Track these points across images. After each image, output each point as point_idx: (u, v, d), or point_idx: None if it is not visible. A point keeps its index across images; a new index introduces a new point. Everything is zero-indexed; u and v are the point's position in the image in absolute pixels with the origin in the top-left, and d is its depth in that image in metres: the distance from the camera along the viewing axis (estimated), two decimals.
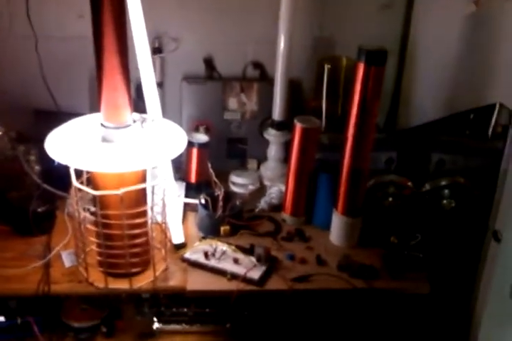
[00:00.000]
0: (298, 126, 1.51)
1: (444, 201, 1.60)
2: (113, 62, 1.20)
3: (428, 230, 1.56)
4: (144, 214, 1.32)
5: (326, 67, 1.69)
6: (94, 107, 1.73)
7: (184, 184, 1.69)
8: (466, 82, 1.63)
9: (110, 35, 1.19)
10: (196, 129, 1.77)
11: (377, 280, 1.42)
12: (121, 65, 1.21)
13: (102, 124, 1.25)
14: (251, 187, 1.74)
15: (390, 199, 1.59)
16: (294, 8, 1.63)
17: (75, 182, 1.26)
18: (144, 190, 1.31)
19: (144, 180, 1.30)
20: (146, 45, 1.47)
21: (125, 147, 1.24)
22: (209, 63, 1.80)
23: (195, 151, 1.64)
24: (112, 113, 1.23)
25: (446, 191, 1.61)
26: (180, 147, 1.28)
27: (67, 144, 1.25)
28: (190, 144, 1.62)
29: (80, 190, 1.27)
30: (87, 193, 1.27)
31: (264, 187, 1.75)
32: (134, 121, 1.28)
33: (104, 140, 1.25)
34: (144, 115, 1.34)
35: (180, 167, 1.67)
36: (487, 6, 1.54)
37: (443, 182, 1.62)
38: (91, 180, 1.31)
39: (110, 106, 1.23)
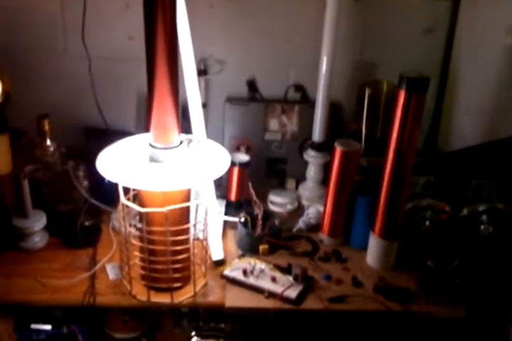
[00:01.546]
0: (338, 149, 1.54)
1: (482, 226, 1.60)
2: (164, 85, 1.26)
3: (465, 255, 1.56)
4: (186, 231, 1.36)
5: (367, 91, 1.72)
6: (140, 125, 1.84)
7: (224, 202, 1.73)
8: (507, 109, 1.64)
9: (162, 57, 1.24)
10: (237, 149, 1.82)
11: (413, 304, 1.43)
12: (172, 87, 1.26)
13: (150, 144, 1.31)
14: (289, 207, 1.77)
15: (427, 223, 1.60)
16: (336, 33, 1.67)
17: (123, 199, 1.31)
18: (187, 207, 1.35)
19: (188, 198, 1.34)
20: (193, 68, 1.53)
21: (172, 166, 1.29)
22: (252, 85, 1.85)
23: (236, 170, 1.68)
24: (161, 134, 1.29)
25: (485, 216, 1.61)
26: (223, 167, 1.32)
27: (117, 163, 1.31)
28: (232, 163, 1.66)
29: (126, 206, 1.32)
30: (133, 209, 1.33)
31: (302, 207, 1.78)
32: (181, 142, 1.33)
33: (152, 159, 1.31)
34: (190, 136, 1.40)
35: (220, 184, 1.72)
36: None
37: (481, 208, 1.62)
38: (137, 197, 1.36)
39: (159, 127, 1.28)
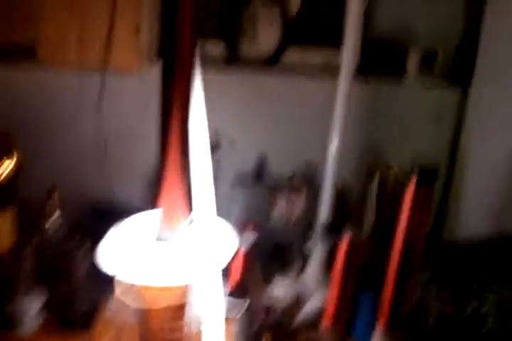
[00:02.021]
0: (344, 239, 1.52)
1: (489, 322, 1.58)
2: (175, 162, 1.24)
3: None
4: (183, 324, 1.33)
5: (376, 175, 1.71)
6: (148, 200, 1.80)
7: (226, 287, 1.69)
8: None
9: (175, 133, 1.23)
10: (243, 231, 1.79)
11: None
12: (183, 164, 1.25)
13: (157, 225, 1.28)
14: (292, 295, 1.72)
15: (432, 317, 1.58)
16: (346, 115, 1.66)
17: (117, 294, 1.27)
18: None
19: (187, 292, 1.31)
20: (205, 145, 1.51)
21: (176, 251, 1.26)
22: (260, 165, 1.84)
23: (240, 254, 1.66)
24: (170, 215, 1.26)
25: (491, 312, 1.59)
26: (229, 253, 1.28)
27: (118, 250, 1.26)
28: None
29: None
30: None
31: (305, 295, 1.74)
32: (190, 222, 1.30)
33: (159, 238, 1.27)
34: (198, 215, 1.37)
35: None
36: None
37: (487, 302, 1.61)
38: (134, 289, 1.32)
39: (168, 208, 1.26)
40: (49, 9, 1.35)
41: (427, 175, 1.38)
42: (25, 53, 1.38)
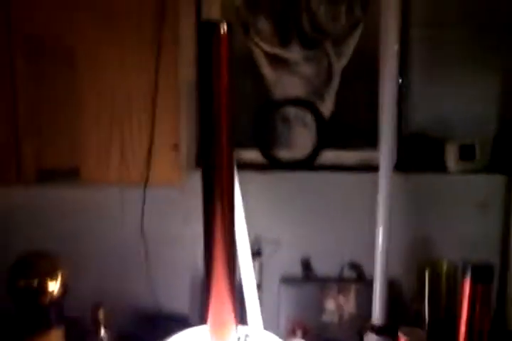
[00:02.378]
0: (402, 339, 1.44)
1: None
2: (221, 272, 1.22)
3: None
4: None
5: (427, 272, 1.67)
6: (194, 309, 1.78)
7: None
8: None
9: (220, 243, 1.22)
10: (293, 332, 1.73)
11: None
12: (229, 274, 1.23)
13: None
14: None
15: None
16: (389, 209, 1.66)
17: None
18: None
19: None
20: (247, 250, 1.51)
21: None
22: (306, 265, 1.82)
23: None
24: (219, 332, 1.22)
25: None
26: None
27: None
28: None
29: None
30: None
31: None
32: (239, 338, 1.26)
33: None
34: (246, 329, 1.33)
35: None
36: None
37: None
38: None
39: (217, 325, 1.22)
40: (92, 132, 1.45)
41: (482, 273, 1.33)
42: (69, 173, 1.47)
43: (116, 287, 1.80)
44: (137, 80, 1.43)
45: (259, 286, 1.72)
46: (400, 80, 1.79)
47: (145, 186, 1.46)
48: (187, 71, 1.52)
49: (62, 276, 1.51)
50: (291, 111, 1.86)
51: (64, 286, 1.51)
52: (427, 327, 1.62)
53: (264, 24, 1.85)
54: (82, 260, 1.78)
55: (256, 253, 1.74)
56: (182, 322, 1.41)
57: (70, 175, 1.46)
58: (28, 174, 1.46)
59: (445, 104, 1.87)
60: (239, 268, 1.47)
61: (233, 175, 1.33)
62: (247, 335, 1.30)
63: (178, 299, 1.81)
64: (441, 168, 1.85)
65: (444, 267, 1.71)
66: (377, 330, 1.67)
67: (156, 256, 1.75)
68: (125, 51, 1.43)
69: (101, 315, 1.56)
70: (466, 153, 1.86)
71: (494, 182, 1.83)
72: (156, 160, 1.45)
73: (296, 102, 1.86)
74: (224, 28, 1.23)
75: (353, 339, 1.76)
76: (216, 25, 1.24)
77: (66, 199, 1.78)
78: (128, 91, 1.43)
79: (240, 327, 1.33)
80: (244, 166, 1.77)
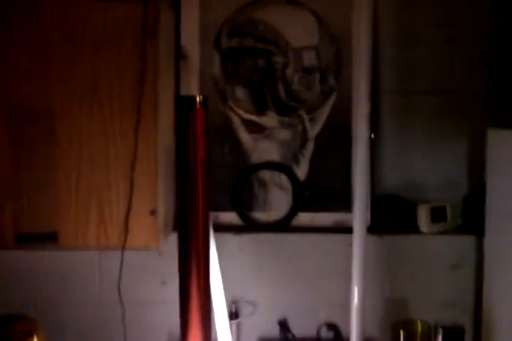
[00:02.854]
0: None
1: None
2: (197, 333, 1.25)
3: None
4: None
5: (402, 332, 1.69)
6: None
7: None
8: None
9: (195, 304, 1.26)
10: None
11: None
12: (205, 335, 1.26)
13: None
14: None
15: None
16: (365, 269, 1.70)
17: None
18: None
19: None
20: (224, 312, 1.54)
21: None
22: (283, 325, 1.83)
23: None
24: None
25: None
26: None
27: None
28: None
29: None
30: None
31: None
32: None
33: None
34: None
35: None
36: None
37: None
38: None
39: None
40: (71, 198, 1.51)
41: (453, 335, 1.37)
42: (47, 238, 1.51)
43: None
44: (116, 148, 1.49)
45: None
46: (372, 145, 1.87)
47: (123, 251, 1.50)
48: (166, 138, 1.59)
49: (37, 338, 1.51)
50: (268, 174, 1.93)
51: None
52: None
53: (241, 93, 1.94)
54: (59, 324, 1.79)
55: (233, 315, 1.76)
56: None
57: (49, 239, 1.49)
58: (7, 237, 1.49)
59: (416, 167, 1.95)
60: (215, 329, 1.49)
61: (209, 239, 1.38)
62: None
63: None
64: (413, 229, 1.91)
65: (419, 327, 1.73)
66: None
67: (134, 320, 1.75)
68: (105, 119, 1.50)
69: None
70: (437, 214, 1.92)
71: (466, 243, 1.89)
72: (134, 225, 1.49)
73: (272, 166, 1.93)
74: (199, 101, 1.32)
75: None
76: (192, 100, 1.32)
77: (44, 263, 1.82)
78: (107, 158, 1.49)
79: None
80: (222, 228, 1.82)
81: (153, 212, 1.47)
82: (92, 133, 1.50)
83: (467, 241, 1.89)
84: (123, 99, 1.50)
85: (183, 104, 1.30)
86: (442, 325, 1.37)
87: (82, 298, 1.84)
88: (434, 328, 1.36)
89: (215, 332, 1.51)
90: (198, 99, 1.30)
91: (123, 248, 1.48)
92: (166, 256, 1.75)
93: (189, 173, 1.30)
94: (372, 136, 1.86)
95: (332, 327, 1.84)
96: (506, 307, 1.69)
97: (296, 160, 1.95)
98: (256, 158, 1.94)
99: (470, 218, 1.95)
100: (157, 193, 1.49)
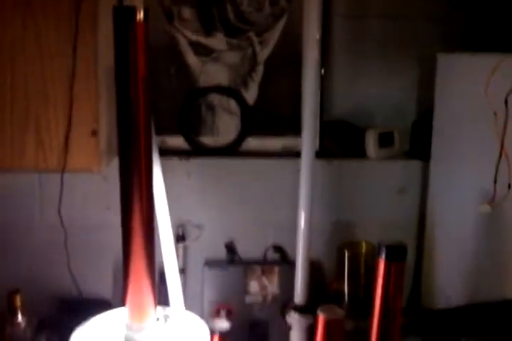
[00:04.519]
0: (321, 317, 1.49)
1: None
2: (140, 258, 1.23)
3: None
4: None
5: (347, 253, 1.73)
6: (117, 293, 1.79)
7: None
8: (489, 271, 1.62)
9: (138, 229, 1.23)
10: (218, 313, 1.77)
11: None
12: (148, 260, 1.24)
13: (126, 325, 1.25)
14: None
15: None
16: (311, 194, 1.71)
17: None
18: None
19: None
20: (170, 235, 1.53)
21: None
22: (230, 248, 1.85)
23: (216, 340, 1.62)
24: (137, 314, 1.24)
25: None
26: None
27: None
28: (211, 332, 1.60)
29: None
30: None
31: None
32: (158, 319, 1.28)
33: (127, 340, 1.25)
34: (167, 309, 1.35)
35: None
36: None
37: None
38: None
39: (135, 307, 1.24)
40: (5, 117, 1.43)
41: (395, 252, 1.39)
42: None
43: (36, 274, 1.78)
44: (53, 66, 1.42)
45: (183, 270, 1.75)
46: (323, 69, 1.84)
47: (62, 172, 1.45)
48: (106, 56, 1.52)
49: None
50: (216, 98, 1.89)
51: None
52: (346, 306, 1.69)
53: (188, 13, 1.86)
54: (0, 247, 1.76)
55: (180, 238, 1.76)
56: (104, 307, 1.41)
57: None
58: None
59: (365, 93, 1.94)
60: (161, 252, 1.49)
61: (151, 162, 1.34)
62: (167, 316, 1.32)
63: (100, 285, 1.81)
64: (361, 154, 1.92)
65: (363, 248, 1.78)
66: (299, 310, 1.72)
67: (78, 243, 1.74)
68: (41, 35, 1.41)
69: (18, 301, 1.53)
70: (385, 140, 1.93)
71: (412, 168, 1.92)
72: (75, 146, 1.44)
73: (220, 89, 1.89)
74: (140, 13, 1.24)
75: (276, 318, 1.81)
76: (132, 11, 1.24)
77: None
78: (43, 76, 1.42)
79: (160, 308, 1.35)
80: (169, 152, 1.79)
81: (94, 133, 1.42)
82: (26, 50, 1.41)
83: (413, 166, 1.92)
84: (60, 14, 1.41)
85: (122, 15, 1.22)
86: (385, 243, 1.39)
87: (24, 221, 1.80)
88: (378, 247, 1.38)
89: (161, 256, 1.50)
90: (138, 10, 1.22)
91: (63, 170, 1.43)
92: (110, 182, 1.72)
93: (129, 92, 1.24)
94: (323, 72, 1.83)
95: (278, 249, 1.87)
96: (448, 228, 1.74)
97: (245, 84, 1.90)
98: (204, 81, 1.89)
99: (417, 144, 1.97)
100: (98, 113, 1.44)
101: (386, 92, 1.94)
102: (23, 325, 1.55)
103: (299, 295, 1.73)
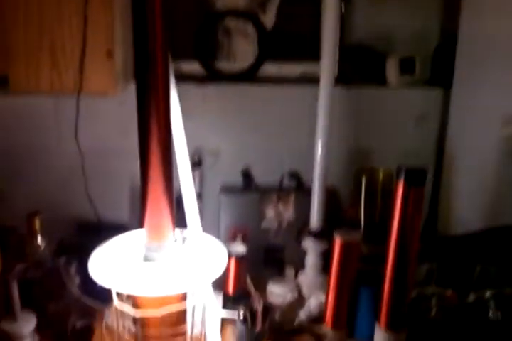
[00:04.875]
0: (338, 240, 1.50)
1: (491, 312, 1.54)
2: (158, 181, 1.23)
3: None
4: (183, 331, 1.30)
5: (363, 178, 1.72)
6: (134, 218, 1.81)
7: (221, 295, 1.67)
8: (506, 195, 1.62)
9: (155, 153, 1.23)
10: (233, 238, 1.79)
11: None
12: (166, 183, 1.24)
13: (144, 245, 1.27)
14: (289, 297, 1.71)
15: (434, 311, 1.55)
16: (329, 120, 1.68)
17: (116, 303, 1.26)
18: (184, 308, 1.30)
19: (184, 298, 1.29)
20: (187, 160, 1.52)
21: (167, 267, 1.25)
22: (246, 174, 1.85)
23: (232, 263, 1.64)
24: (155, 234, 1.25)
25: (492, 302, 1.56)
26: (221, 267, 1.28)
27: (110, 265, 1.26)
28: (228, 255, 1.62)
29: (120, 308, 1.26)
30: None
31: (303, 296, 1.72)
32: (176, 240, 1.29)
33: (146, 259, 1.27)
34: (185, 231, 1.36)
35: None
36: None
37: (488, 293, 1.57)
38: (131, 298, 1.31)
39: (153, 227, 1.25)
40: (19, 37, 1.39)
41: (415, 176, 1.37)
42: None
43: (54, 198, 1.80)
44: None
45: (199, 196, 1.75)
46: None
47: (78, 94, 1.43)
48: None
49: None
50: (233, 22, 1.83)
51: None
52: (362, 232, 1.69)
53: None
54: (19, 172, 1.77)
55: (196, 164, 1.76)
56: (121, 231, 1.43)
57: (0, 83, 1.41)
58: None
59: (387, 18, 1.87)
60: (178, 178, 1.49)
61: (169, 85, 1.32)
62: (185, 238, 1.33)
63: (118, 210, 1.84)
64: (381, 81, 1.88)
65: (381, 174, 1.76)
66: (315, 234, 1.73)
67: (95, 168, 1.75)
68: None
69: (37, 223, 1.54)
70: (406, 66, 1.88)
71: (432, 95, 1.87)
72: (90, 67, 1.41)
73: (238, 13, 1.83)
74: None
75: (291, 244, 1.83)
76: None
77: None
78: None
79: (179, 230, 1.36)
80: (185, 78, 1.76)
81: (109, 53, 1.39)
82: None
83: (434, 94, 1.88)
84: None
85: None
86: (405, 167, 1.37)
87: (40, 145, 1.80)
88: (397, 171, 1.36)
89: (178, 181, 1.50)
90: None
91: (78, 93, 1.41)
92: (127, 107, 1.70)
93: (145, 12, 1.20)
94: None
95: (295, 175, 1.87)
96: (468, 154, 1.72)
97: (262, 7, 1.84)
98: (221, 5, 1.82)
99: (439, 71, 1.92)
100: (113, 33, 1.39)
101: (409, 17, 1.87)
102: (42, 246, 1.58)
103: (314, 221, 1.74)
